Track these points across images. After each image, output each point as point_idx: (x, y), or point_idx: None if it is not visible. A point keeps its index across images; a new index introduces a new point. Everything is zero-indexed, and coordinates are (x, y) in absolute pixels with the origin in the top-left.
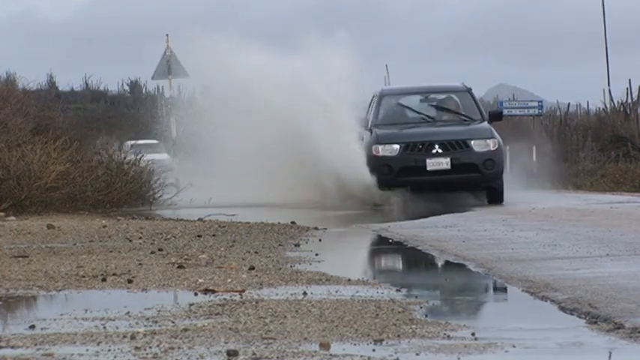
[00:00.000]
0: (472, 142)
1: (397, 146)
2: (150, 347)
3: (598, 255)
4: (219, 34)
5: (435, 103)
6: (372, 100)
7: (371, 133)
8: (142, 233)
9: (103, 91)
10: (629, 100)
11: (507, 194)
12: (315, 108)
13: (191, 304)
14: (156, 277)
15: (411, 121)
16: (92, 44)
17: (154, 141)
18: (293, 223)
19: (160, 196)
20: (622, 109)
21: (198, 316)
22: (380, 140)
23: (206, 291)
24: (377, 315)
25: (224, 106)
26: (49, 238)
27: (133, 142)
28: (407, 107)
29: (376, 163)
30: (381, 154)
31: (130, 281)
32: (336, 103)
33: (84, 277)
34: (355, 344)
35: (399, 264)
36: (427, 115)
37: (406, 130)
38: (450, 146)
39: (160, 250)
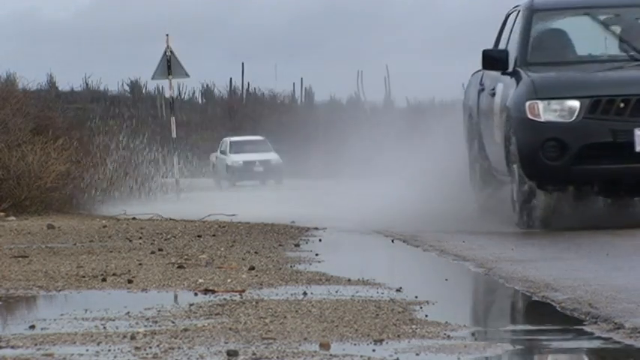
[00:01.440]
0: None
1: (576, 104)
2: (150, 347)
3: (598, 255)
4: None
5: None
6: (506, 20)
7: (516, 79)
8: (142, 233)
9: (103, 91)
10: None
11: None
12: None
13: (191, 304)
14: (156, 277)
15: (592, 58)
16: (92, 44)
17: (259, 137)
18: (293, 223)
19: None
20: None
21: (198, 316)
22: (540, 92)
23: (206, 291)
24: (377, 315)
25: None
26: (49, 238)
27: (233, 138)
28: (583, 34)
29: (534, 137)
30: (543, 118)
31: (130, 281)
32: None
33: (84, 277)
34: (355, 344)
35: (399, 264)
36: (624, 49)
37: (589, 74)
38: None
39: (160, 250)
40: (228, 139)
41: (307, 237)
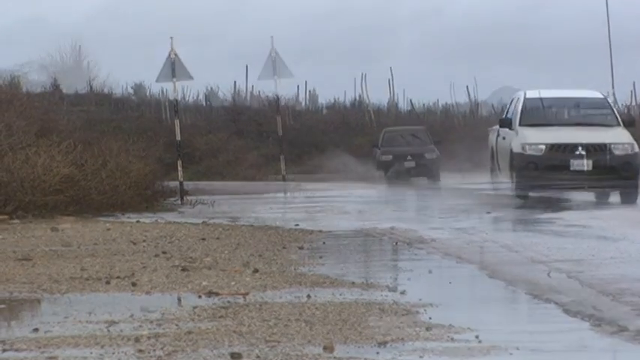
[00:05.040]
0: None
1: None
2: (154, 350)
3: (602, 257)
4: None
5: None
6: None
7: None
8: (145, 236)
9: (107, 93)
10: (634, 104)
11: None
12: None
13: (195, 307)
14: (160, 280)
15: None
16: (97, 47)
17: (596, 94)
18: (297, 225)
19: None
20: (626, 112)
21: (202, 318)
22: None
23: (210, 294)
24: (381, 318)
25: None
26: (53, 241)
27: (531, 92)
28: None
29: None
30: None
31: (134, 284)
32: None
33: (88, 280)
34: (359, 347)
35: (403, 267)
36: None
37: None
38: None
39: (164, 253)
40: (521, 93)
41: (311, 240)
